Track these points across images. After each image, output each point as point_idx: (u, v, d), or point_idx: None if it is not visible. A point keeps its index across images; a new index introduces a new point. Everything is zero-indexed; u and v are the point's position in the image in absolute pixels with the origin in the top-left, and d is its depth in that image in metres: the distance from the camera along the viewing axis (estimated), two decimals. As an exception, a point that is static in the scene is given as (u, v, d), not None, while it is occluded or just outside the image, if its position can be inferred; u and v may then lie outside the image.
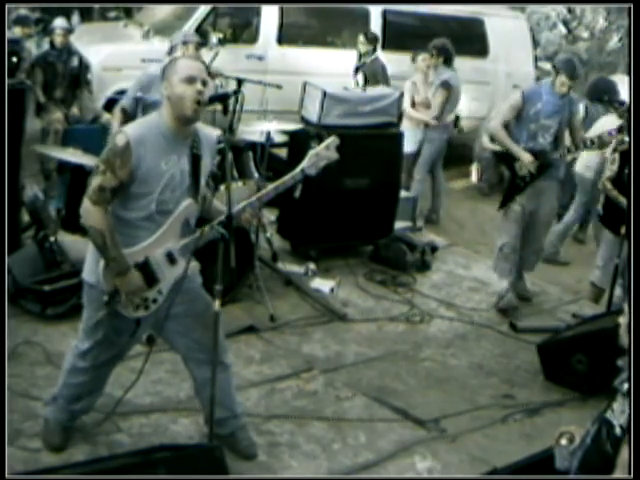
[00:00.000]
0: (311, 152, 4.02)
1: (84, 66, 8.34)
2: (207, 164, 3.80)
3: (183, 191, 3.71)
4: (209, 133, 3.88)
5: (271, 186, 4.01)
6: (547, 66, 12.72)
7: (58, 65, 8.16)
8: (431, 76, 8.17)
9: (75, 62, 8.24)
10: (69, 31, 8.27)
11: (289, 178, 3.98)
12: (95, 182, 3.58)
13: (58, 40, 8.12)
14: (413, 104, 8.16)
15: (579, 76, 6.20)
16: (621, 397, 3.03)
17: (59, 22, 8.27)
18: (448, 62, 8.16)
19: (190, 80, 3.60)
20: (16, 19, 8.82)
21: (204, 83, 3.64)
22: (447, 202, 8.69)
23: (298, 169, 3.99)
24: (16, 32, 8.44)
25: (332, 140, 4.05)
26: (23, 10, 9.79)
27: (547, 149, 6.15)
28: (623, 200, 6.01)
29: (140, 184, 3.60)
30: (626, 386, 3.02)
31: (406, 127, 8.01)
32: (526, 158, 6.09)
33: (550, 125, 6.12)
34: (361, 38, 8.82)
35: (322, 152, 4.01)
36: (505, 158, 6.37)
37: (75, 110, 8.27)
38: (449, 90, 8.11)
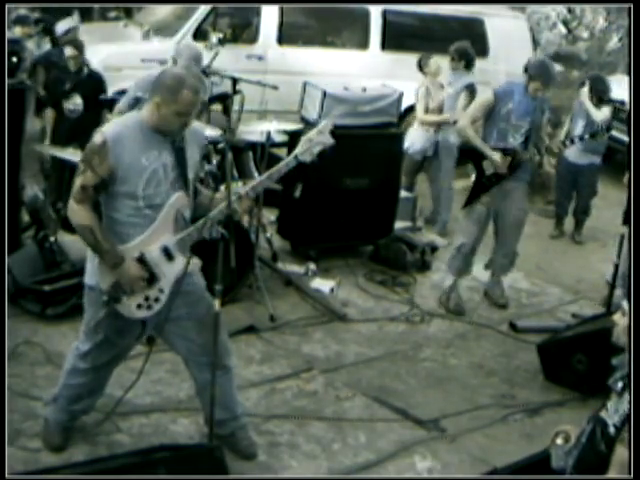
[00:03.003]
0: (304, 138, 3.91)
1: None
2: (194, 156, 3.79)
3: (170, 185, 3.70)
4: (194, 127, 3.84)
5: (264, 174, 3.96)
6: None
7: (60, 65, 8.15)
8: (444, 79, 8.05)
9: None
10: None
11: (283, 165, 3.88)
12: (77, 182, 3.64)
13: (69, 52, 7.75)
14: (426, 110, 8.03)
15: (554, 81, 6.05)
16: (615, 396, 3.03)
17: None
18: (469, 66, 8.01)
19: (185, 115, 3.62)
20: (16, 19, 8.80)
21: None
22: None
23: (291, 156, 3.89)
24: (16, 32, 8.43)
25: (325, 124, 3.93)
26: (23, 10, 9.75)
27: (517, 149, 6.06)
28: None
29: (123, 182, 3.62)
30: (620, 385, 3.02)
31: (417, 130, 7.95)
32: (497, 158, 5.99)
33: (522, 125, 6.05)
34: None
35: (315, 137, 3.88)
36: (472, 156, 6.25)
37: (75, 110, 8.26)
38: (474, 95, 7.86)
